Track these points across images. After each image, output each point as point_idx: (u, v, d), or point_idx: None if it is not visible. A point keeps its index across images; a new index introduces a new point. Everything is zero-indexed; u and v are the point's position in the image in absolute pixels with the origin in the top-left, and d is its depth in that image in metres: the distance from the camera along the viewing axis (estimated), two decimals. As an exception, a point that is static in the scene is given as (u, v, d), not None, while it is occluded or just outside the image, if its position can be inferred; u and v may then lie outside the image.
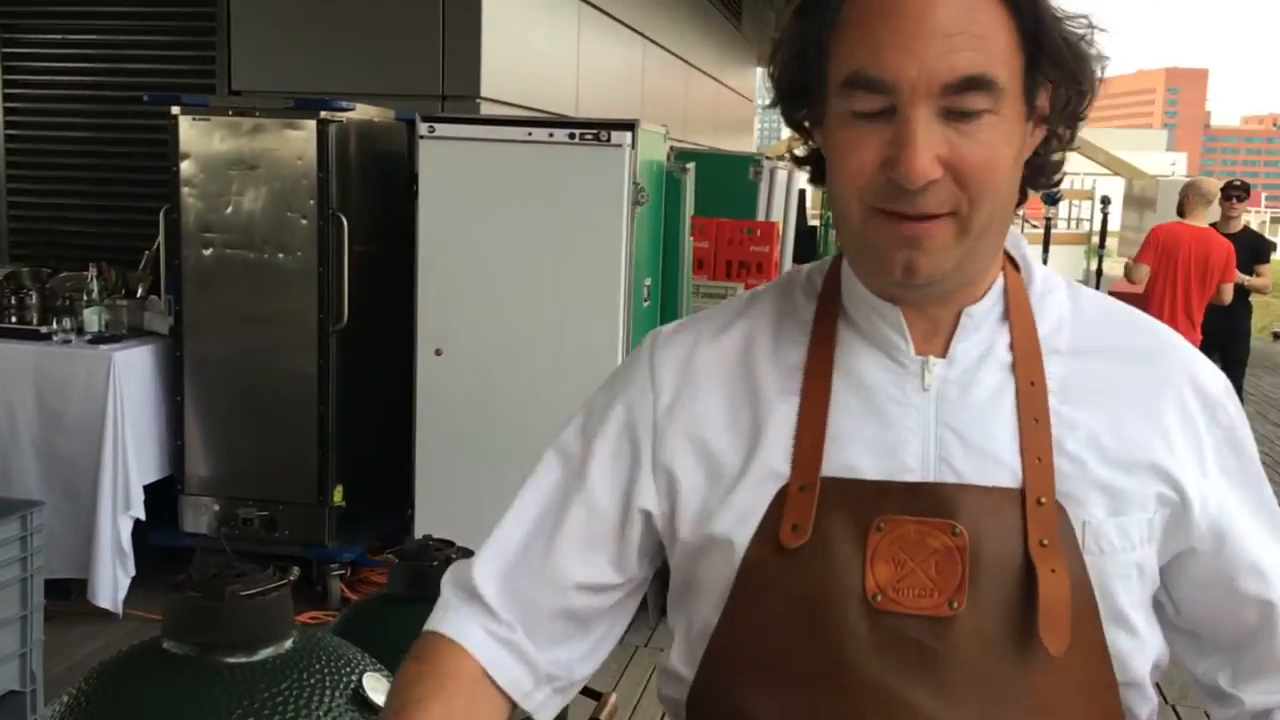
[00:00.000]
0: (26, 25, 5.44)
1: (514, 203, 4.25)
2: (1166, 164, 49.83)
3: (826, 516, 0.98)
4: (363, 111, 4.56)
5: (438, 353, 4.35)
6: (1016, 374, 1.03)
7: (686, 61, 10.26)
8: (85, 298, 4.51)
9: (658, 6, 9.00)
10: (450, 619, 1.09)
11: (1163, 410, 1.04)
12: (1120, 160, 22.86)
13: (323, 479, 4.48)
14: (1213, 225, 7.08)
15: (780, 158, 9.68)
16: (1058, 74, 0.96)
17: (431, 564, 1.94)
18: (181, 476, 4.55)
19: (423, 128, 4.29)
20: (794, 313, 1.09)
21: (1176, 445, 1.03)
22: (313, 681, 1.46)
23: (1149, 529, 1.02)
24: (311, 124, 4.31)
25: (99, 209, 5.45)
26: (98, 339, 4.38)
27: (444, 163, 4.27)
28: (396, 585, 1.99)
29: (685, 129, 9.61)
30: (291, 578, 1.52)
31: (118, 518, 4.23)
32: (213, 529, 4.51)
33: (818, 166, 1.06)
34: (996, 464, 1.00)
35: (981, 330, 1.04)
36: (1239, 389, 7.68)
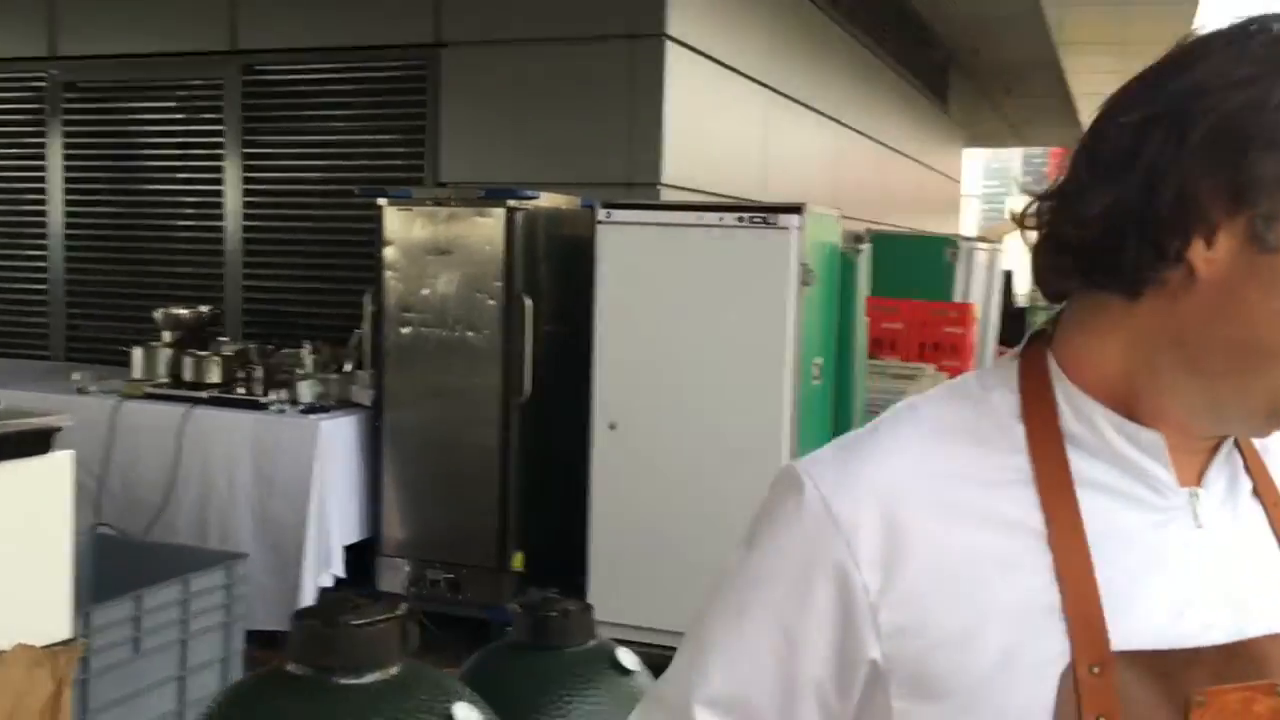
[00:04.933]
0: (265, 128, 6.08)
1: (685, 284, 4.44)
2: None
3: (1131, 700, 0.83)
4: (549, 199, 4.87)
5: (612, 426, 4.55)
6: (1262, 498, 0.93)
7: (886, 145, 10.33)
8: (300, 371, 4.96)
9: (854, 94, 9.14)
10: None
11: None
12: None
13: (504, 544, 4.73)
14: None
15: (982, 239, 9.57)
16: None
17: (550, 615, 2.14)
18: (378, 538, 4.89)
19: (601, 213, 4.56)
20: (996, 433, 0.90)
21: None
22: (410, 704, 1.63)
23: None
24: (500, 211, 4.64)
25: (316, 291, 5.98)
26: (309, 409, 4.80)
27: (619, 246, 4.52)
28: (520, 634, 2.18)
29: (883, 212, 9.65)
30: (399, 613, 1.70)
31: (319, 574, 4.59)
32: (404, 588, 4.81)
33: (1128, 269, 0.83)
34: None
35: (1224, 450, 0.92)
36: None
